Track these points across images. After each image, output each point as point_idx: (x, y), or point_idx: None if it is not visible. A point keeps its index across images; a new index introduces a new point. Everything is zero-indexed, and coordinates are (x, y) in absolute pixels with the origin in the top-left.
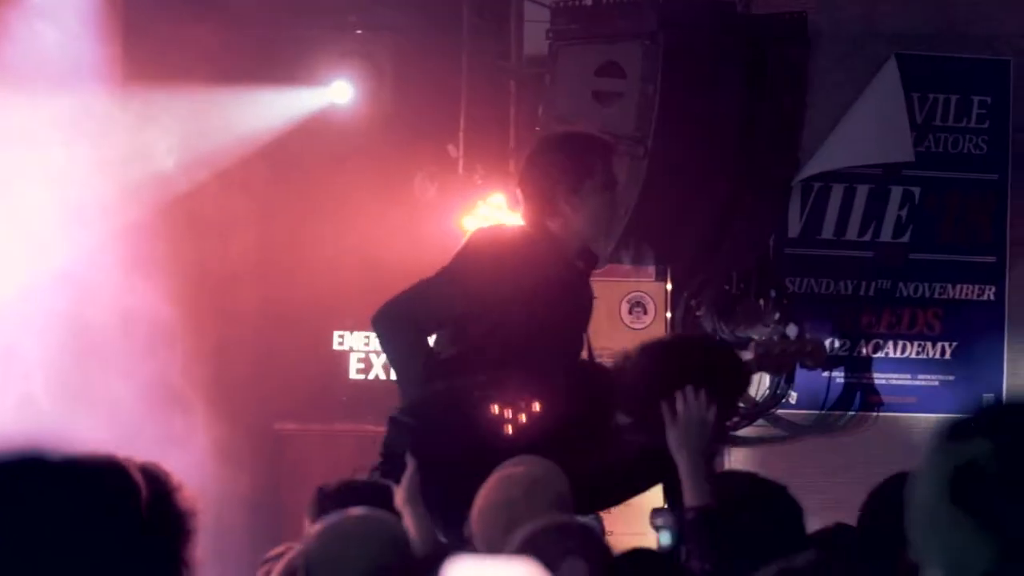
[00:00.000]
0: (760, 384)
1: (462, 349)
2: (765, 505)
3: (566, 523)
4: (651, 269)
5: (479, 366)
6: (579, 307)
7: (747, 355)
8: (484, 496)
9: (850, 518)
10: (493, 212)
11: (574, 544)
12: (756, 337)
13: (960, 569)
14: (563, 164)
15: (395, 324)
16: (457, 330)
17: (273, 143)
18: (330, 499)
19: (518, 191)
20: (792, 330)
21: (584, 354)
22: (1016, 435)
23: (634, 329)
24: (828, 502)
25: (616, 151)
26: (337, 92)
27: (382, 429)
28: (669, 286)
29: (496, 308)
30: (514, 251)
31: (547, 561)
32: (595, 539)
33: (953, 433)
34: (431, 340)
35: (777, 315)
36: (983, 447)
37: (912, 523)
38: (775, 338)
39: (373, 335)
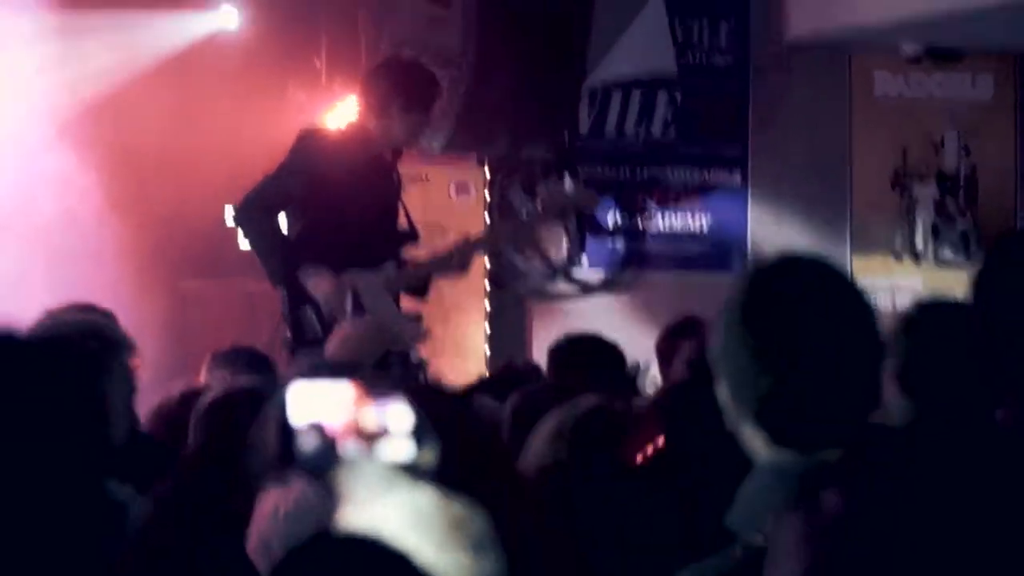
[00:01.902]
0: (560, 248)
1: (302, 226)
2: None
3: None
4: (473, 157)
5: (314, 242)
6: (388, 186)
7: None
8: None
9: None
10: (347, 112)
11: None
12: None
13: (753, 388)
14: (381, 85)
15: (248, 214)
16: (296, 212)
17: (172, 61)
18: (221, 360)
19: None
20: (569, 185)
21: (403, 222)
22: (796, 280)
23: (460, 206)
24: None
25: (435, 74)
26: (225, 17)
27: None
28: (487, 171)
29: (319, 189)
30: (332, 144)
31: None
32: None
33: (746, 277)
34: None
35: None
36: (771, 287)
37: (714, 352)
38: (551, 186)
39: None
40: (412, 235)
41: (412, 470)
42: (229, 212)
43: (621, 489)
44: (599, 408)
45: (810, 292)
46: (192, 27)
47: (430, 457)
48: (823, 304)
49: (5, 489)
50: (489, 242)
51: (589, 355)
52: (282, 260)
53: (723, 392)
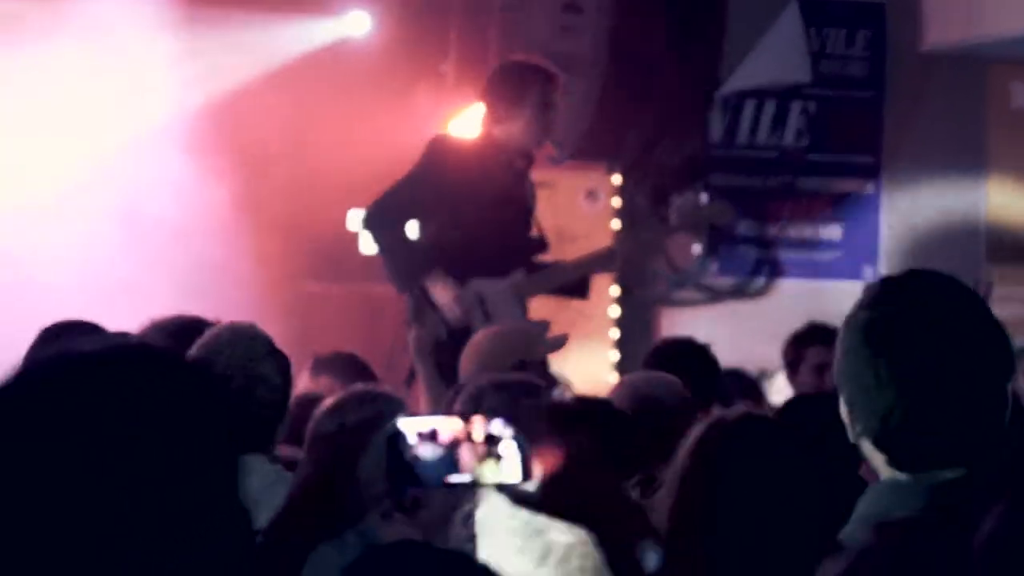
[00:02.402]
0: (690, 255)
1: (431, 233)
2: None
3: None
4: (603, 165)
5: (442, 250)
6: (519, 196)
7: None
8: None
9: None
10: (474, 118)
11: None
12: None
13: (874, 407)
14: (507, 85)
15: (378, 219)
16: (426, 219)
17: (299, 64)
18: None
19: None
20: (704, 198)
21: (535, 232)
22: (920, 299)
23: (588, 213)
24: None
25: (561, 79)
26: (354, 23)
27: (390, 290)
28: (617, 178)
29: (449, 197)
30: (462, 151)
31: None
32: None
33: (872, 295)
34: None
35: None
36: (896, 306)
37: (836, 368)
38: (686, 200)
39: None
40: (541, 243)
41: (515, 494)
42: (353, 216)
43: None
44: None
45: (936, 310)
46: (321, 31)
47: (532, 482)
48: (949, 323)
49: (156, 497)
50: (624, 249)
51: (682, 359)
52: (408, 267)
53: (843, 408)
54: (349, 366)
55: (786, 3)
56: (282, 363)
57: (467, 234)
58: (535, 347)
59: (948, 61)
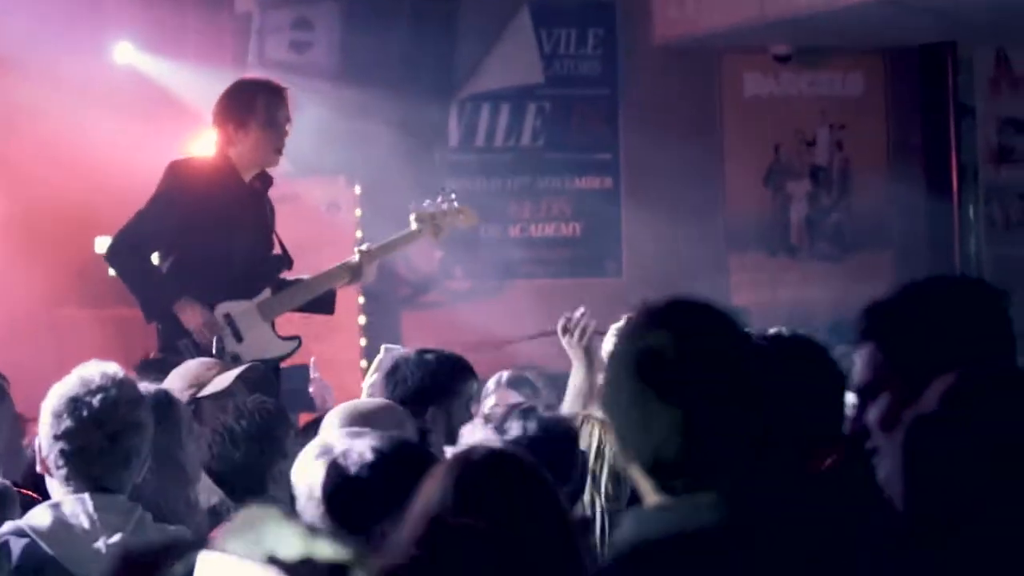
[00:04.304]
0: (432, 260)
1: (175, 259)
2: None
3: None
4: (343, 176)
5: (188, 275)
6: (259, 215)
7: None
8: None
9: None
10: (210, 141)
11: None
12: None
13: (645, 437)
14: (235, 104)
15: (120, 254)
16: (168, 245)
17: (51, 90)
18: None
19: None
20: (446, 202)
21: (277, 250)
22: (684, 329)
23: (331, 224)
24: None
25: (288, 94)
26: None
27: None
28: (359, 188)
29: (190, 222)
30: (200, 177)
31: None
32: None
33: (635, 326)
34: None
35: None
36: (661, 337)
37: (605, 400)
38: (428, 205)
39: None
40: (286, 261)
41: None
42: (100, 243)
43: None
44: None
45: (700, 340)
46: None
47: None
48: (714, 351)
49: None
50: (369, 256)
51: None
52: (156, 296)
53: (615, 436)
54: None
55: (517, 7)
56: None
57: (210, 258)
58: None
59: (680, 54)
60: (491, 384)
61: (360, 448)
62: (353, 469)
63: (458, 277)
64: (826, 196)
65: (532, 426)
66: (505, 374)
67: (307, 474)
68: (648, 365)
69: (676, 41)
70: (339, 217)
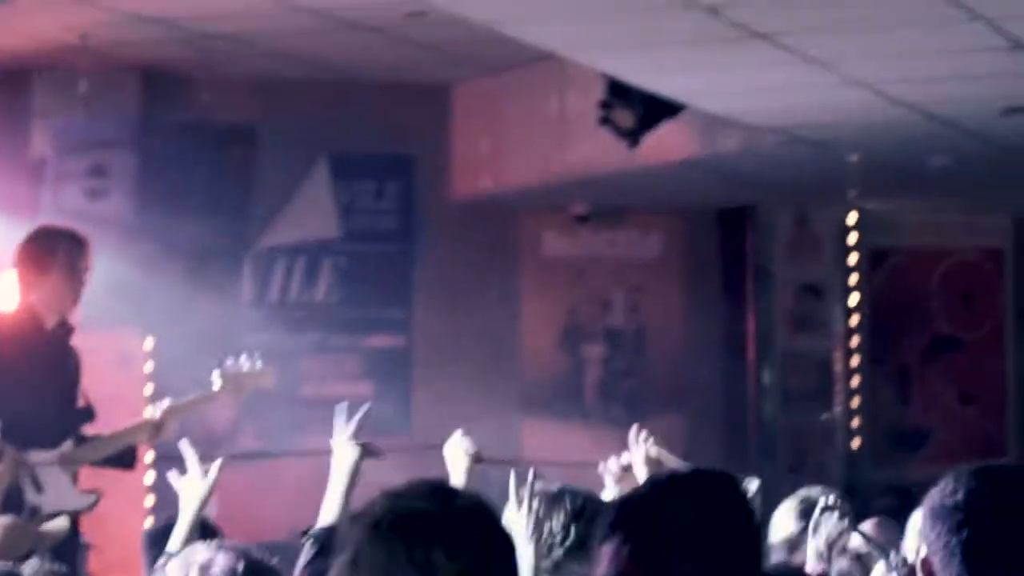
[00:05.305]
0: (226, 419)
1: None
2: None
3: None
4: (137, 328)
5: None
6: (60, 365)
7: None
8: None
9: None
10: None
11: None
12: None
13: None
14: (35, 251)
15: None
16: None
17: None
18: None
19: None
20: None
21: (83, 402)
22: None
23: (121, 378)
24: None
25: (88, 242)
26: None
27: None
28: (150, 342)
29: None
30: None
31: None
32: None
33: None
34: None
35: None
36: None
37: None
38: (231, 365)
39: None
40: (89, 413)
41: None
42: None
43: None
44: None
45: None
46: None
47: None
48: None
49: None
50: (170, 413)
51: None
52: None
53: None
54: None
55: (315, 158)
56: None
57: (11, 409)
58: (45, 538)
59: (479, 211)
60: None
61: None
62: None
63: (249, 435)
64: (621, 359)
65: None
66: None
67: None
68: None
69: (475, 198)
70: (130, 370)
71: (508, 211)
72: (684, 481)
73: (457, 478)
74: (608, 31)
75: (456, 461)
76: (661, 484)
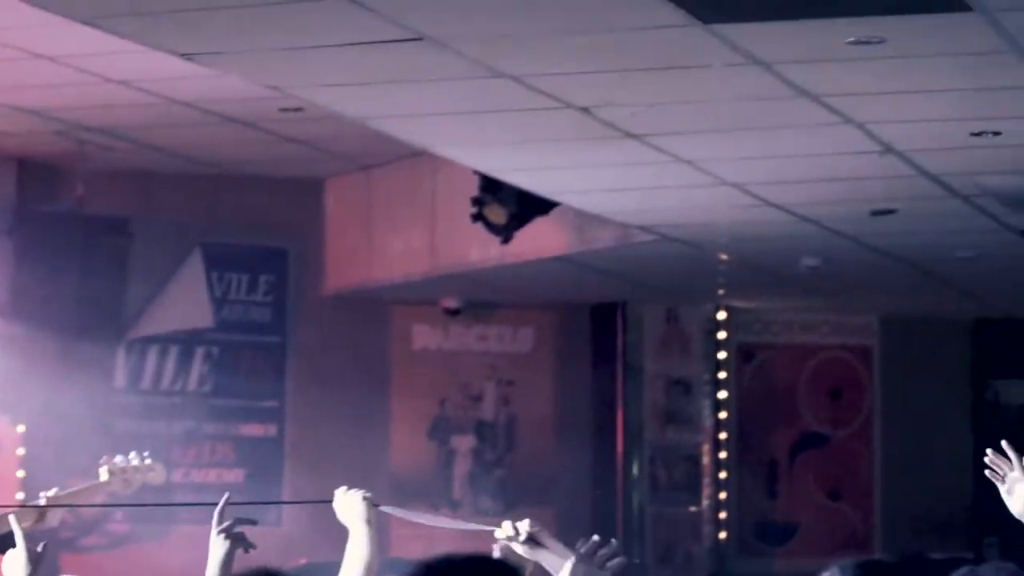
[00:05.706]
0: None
1: None
2: None
3: None
4: (8, 415)
5: None
6: None
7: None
8: None
9: None
10: None
11: None
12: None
13: None
14: None
15: None
16: None
17: None
18: None
19: None
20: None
21: None
22: None
23: None
24: None
25: None
26: None
27: None
28: (22, 427)
29: None
30: None
31: None
32: None
33: None
34: None
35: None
36: None
37: None
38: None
39: None
40: None
41: None
42: None
43: None
44: None
45: None
46: None
47: None
48: None
49: None
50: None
51: None
52: None
53: None
54: None
55: (190, 249)
56: None
57: None
58: None
59: (351, 304)
60: None
61: None
62: None
63: (119, 520)
64: (490, 451)
65: None
66: None
67: None
68: None
69: (347, 290)
70: (1, 455)
71: (380, 304)
72: (459, 566)
73: (358, 531)
74: (481, 129)
75: (351, 514)
76: (434, 568)
